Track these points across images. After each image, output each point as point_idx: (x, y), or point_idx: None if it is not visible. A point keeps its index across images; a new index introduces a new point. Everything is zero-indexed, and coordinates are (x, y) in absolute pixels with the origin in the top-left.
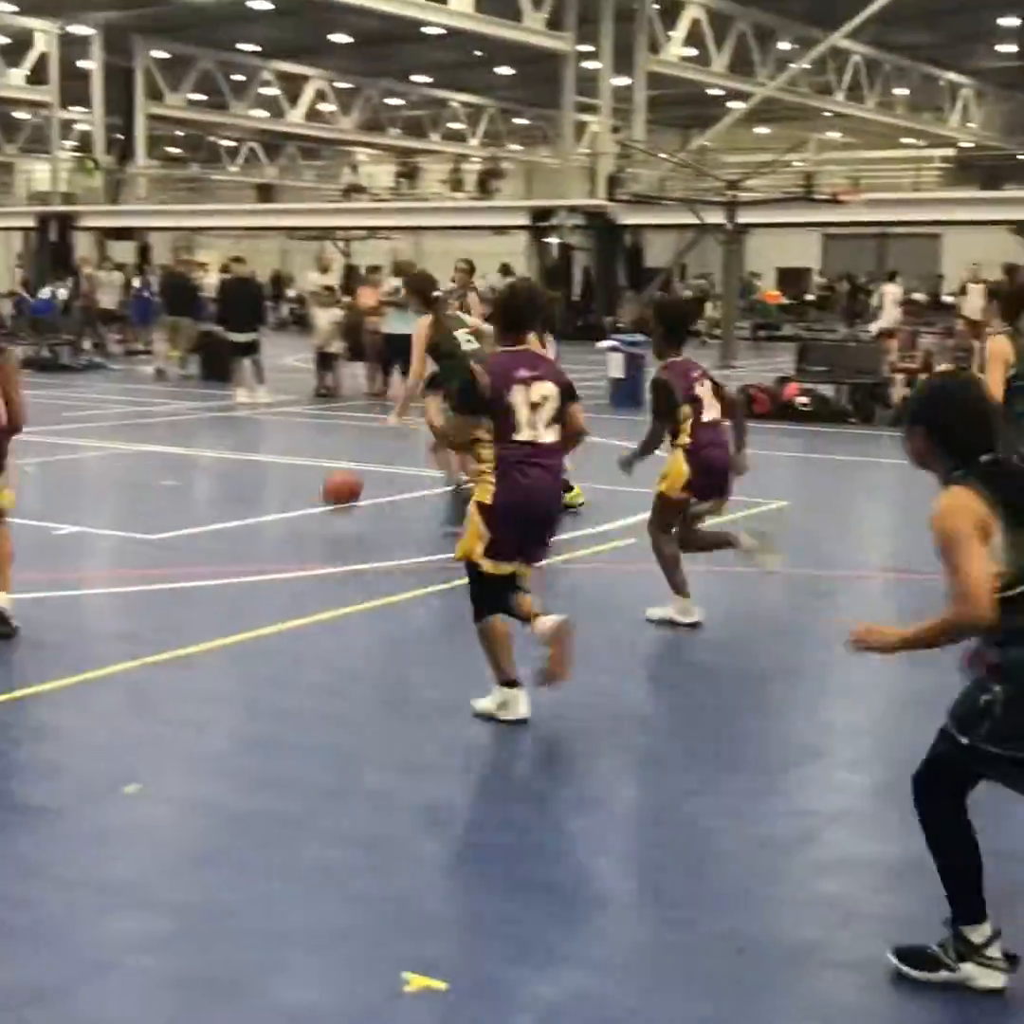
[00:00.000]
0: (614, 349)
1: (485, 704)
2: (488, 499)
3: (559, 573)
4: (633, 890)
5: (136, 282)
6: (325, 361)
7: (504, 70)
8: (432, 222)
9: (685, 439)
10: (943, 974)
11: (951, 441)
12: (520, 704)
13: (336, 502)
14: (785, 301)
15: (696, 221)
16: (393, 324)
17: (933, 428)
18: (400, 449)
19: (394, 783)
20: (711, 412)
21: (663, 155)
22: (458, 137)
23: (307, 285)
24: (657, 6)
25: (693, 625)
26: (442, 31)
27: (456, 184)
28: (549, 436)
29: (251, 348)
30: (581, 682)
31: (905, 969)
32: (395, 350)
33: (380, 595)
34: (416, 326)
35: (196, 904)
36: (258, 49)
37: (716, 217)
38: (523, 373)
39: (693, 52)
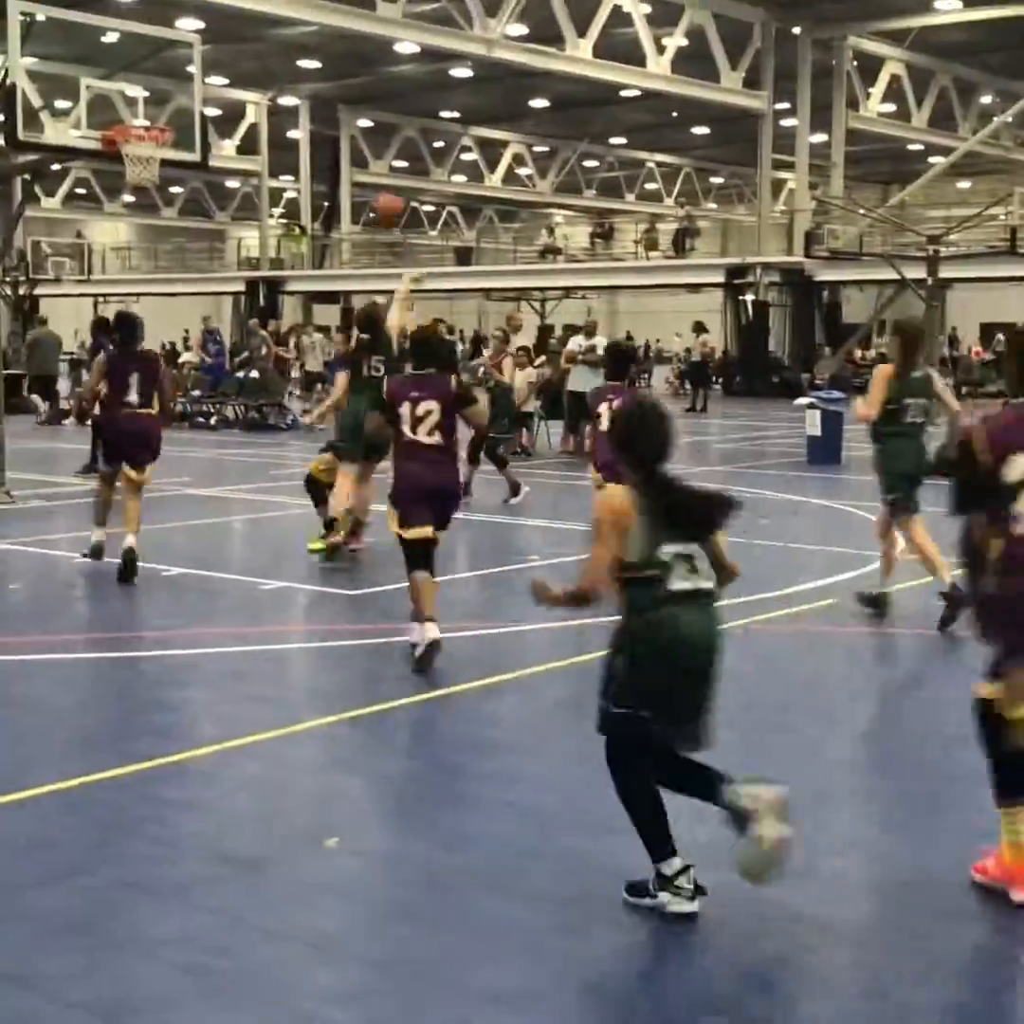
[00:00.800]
0: (812, 406)
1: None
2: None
3: (757, 635)
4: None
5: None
6: (520, 420)
7: (700, 129)
8: (627, 281)
9: None
10: (647, 900)
11: (630, 453)
12: (427, 632)
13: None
14: (989, 357)
15: (896, 277)
16: (577, 382)
17: (619, 442)
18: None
19: (589, 844)
20: None
21: (862, 210)
22: (654, 197)
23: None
24: (856, 63)
25: None
26: (639, 93)
27: (651, 243)
28: (430, 439)
29: None
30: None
31: (625, 897)
32: (582, 408)
33: (570, 654)
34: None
35: (393, 959)
36: (458, 116)
37: (917, 272)
38: (414, 393)
39: (892, 108)
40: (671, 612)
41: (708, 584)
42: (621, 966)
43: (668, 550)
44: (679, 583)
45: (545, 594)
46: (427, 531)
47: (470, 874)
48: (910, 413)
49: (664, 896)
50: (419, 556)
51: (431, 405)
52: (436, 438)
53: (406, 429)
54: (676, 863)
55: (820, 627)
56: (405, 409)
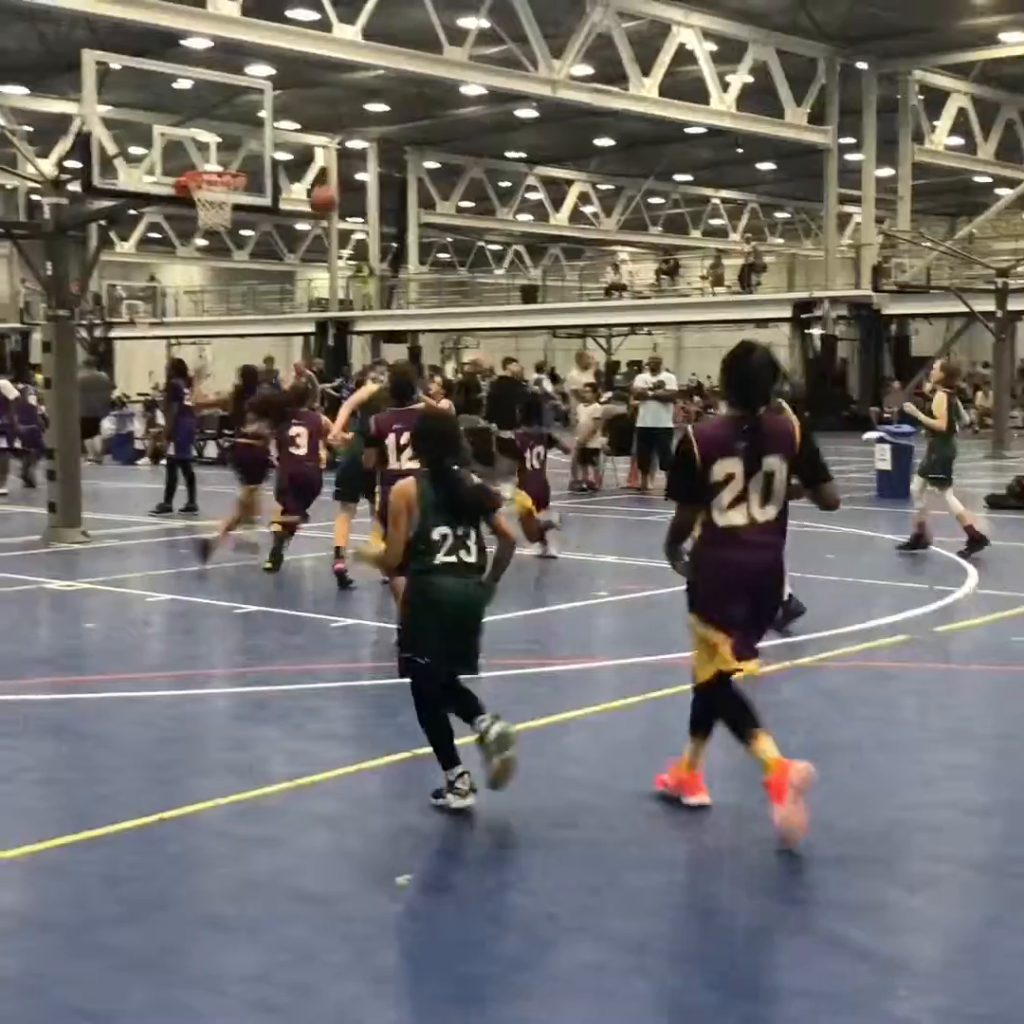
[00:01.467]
0: (881, 440)
1: None
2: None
3: (828, 672)
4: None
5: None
6: (586, 456)
7: (766, 165)
8: (693, 317)
9: None
10: (440, 801)
11: (423, 453)
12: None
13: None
14: None
15: (965, 309)
16: (647, 418)
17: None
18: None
19: (657, 881)
20: None
21: (929, 243)
22: (719, 232)
23: (570, 383)
24: (921, 97)
25: None
26: (703, 130)
27: (717, 279)
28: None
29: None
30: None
31: (430, 801)
32: (650, 443)
33: (641, 690)
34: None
35: (464, 997)
36: (524, 156)
37: (986, 305)
38: (397, 426)
39: (959, 141)
40: (437, 578)
41: (471, 558)
42: (694, 1007)
43: (440, 531)
44: (444, 557)
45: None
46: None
47: (541, 912)
48: None
49: (450, 796)
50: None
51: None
52: (415, 464)
53: (392, 457)
54: (457, 769)
55: (892, 663)
56: (390, 439)
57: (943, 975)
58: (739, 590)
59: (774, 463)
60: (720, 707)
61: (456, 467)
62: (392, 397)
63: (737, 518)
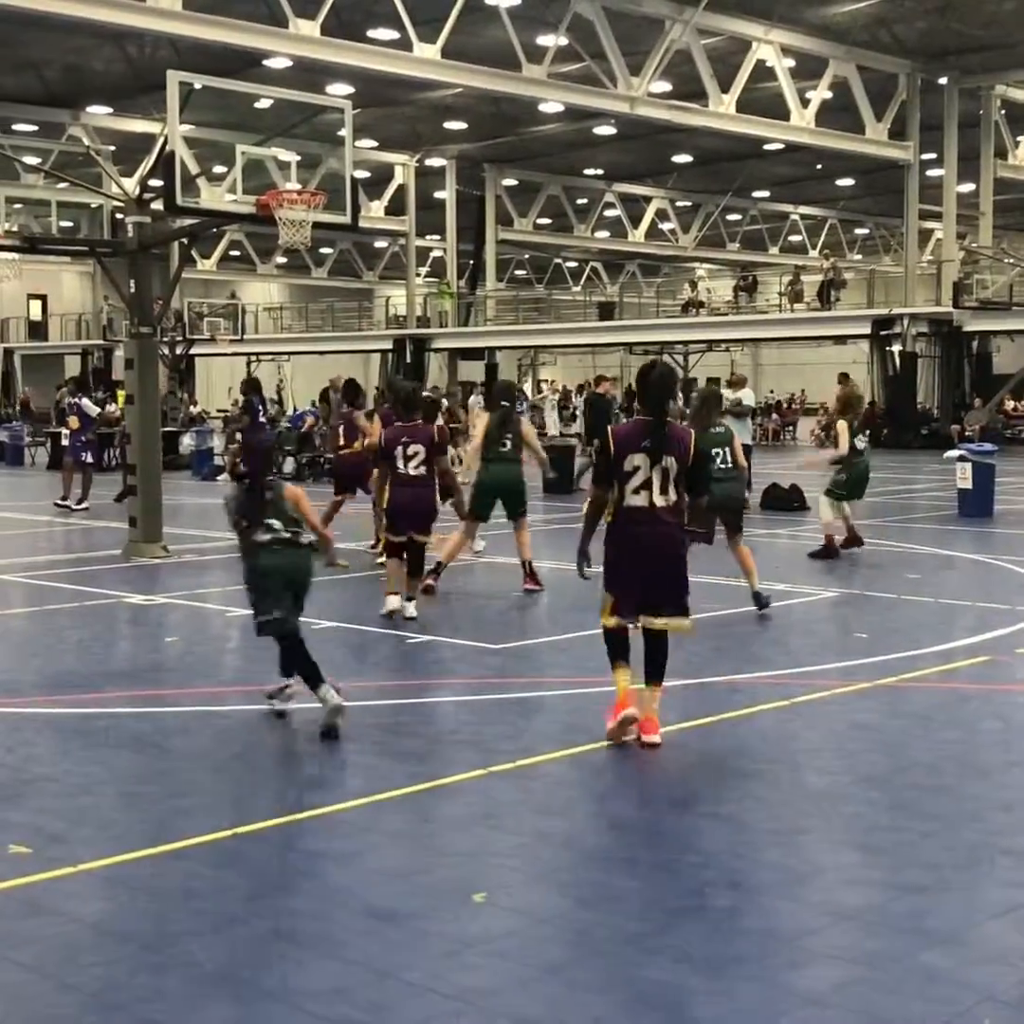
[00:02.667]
0: (962, 458)
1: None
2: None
3: (909, 693)
4: None
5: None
6: None
7: (845, 181)
8: (771, 333)
9: None
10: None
11: (247, 466)
12: (389, 603)
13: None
14: None
15: None
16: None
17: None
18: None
19: (737, 903)
20: None
21: (1011, 259)
22: (798, 249)
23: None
24: (1003, 112)
25: None
26: (782, 146)
27: (796, 295)
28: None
29: None
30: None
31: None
32: None
33: (716, 711)
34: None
35: (541, 1018)
36: (602, 173)
37: None
38: (405, 438)
39: None
40: (258, 553)
41: (285, 535)
42: None
43: (260, 520)
44: (261, 535)
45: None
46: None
47: (618, 933)
48: None
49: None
50: (400, 549)
51: (417, 448)
52: (421, 471)
53: (400, 465)
54: (325, 687)
55: (974, 685)
56: (398, 451)
57: None
58: (637, 558)
59: (671, 461)
60: (607, 644)
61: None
62: (401, 412)
63: (640, 501)
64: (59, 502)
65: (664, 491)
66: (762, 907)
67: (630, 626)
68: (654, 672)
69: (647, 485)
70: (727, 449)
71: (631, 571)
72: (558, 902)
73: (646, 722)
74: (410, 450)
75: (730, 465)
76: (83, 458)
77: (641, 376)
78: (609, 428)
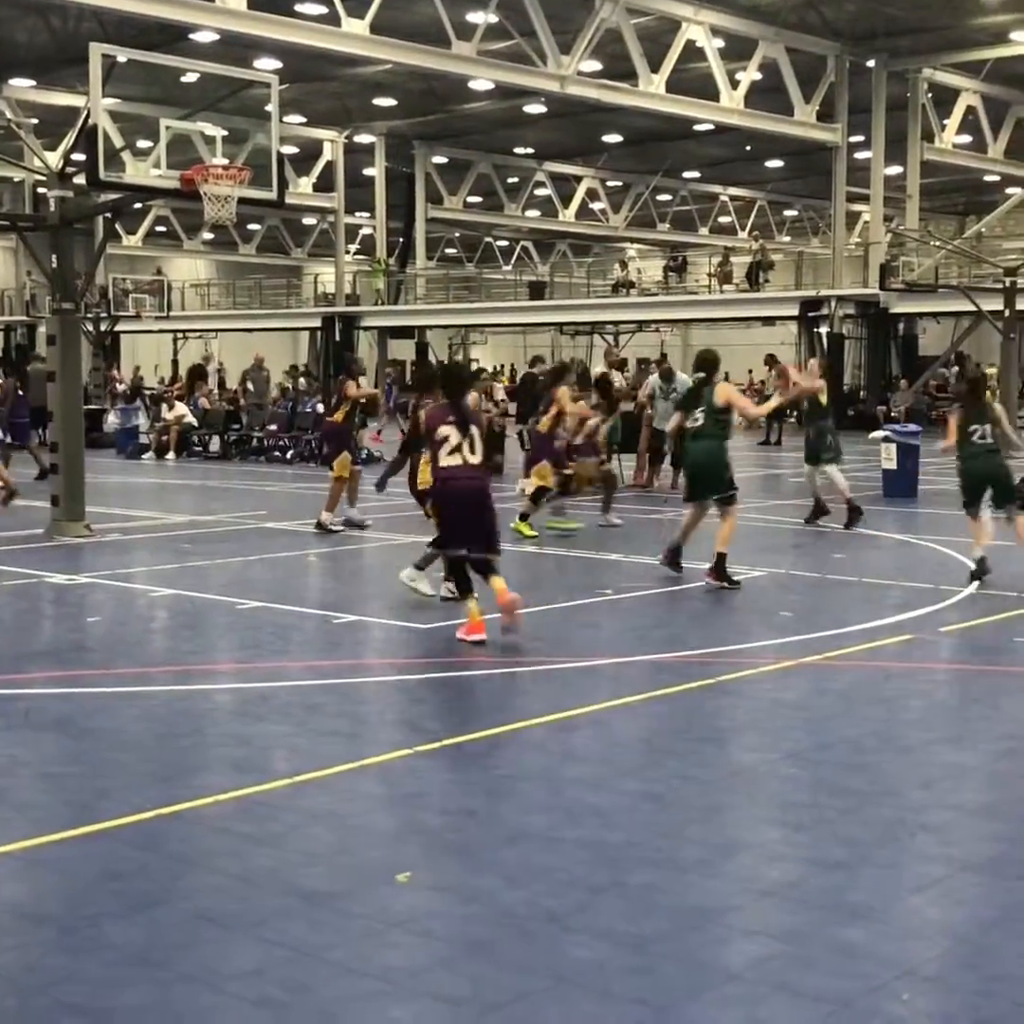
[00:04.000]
0: (887, 439)
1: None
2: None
3: (833, 671)
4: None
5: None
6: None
7: (774, 163)
8: (701, 314)
9: None
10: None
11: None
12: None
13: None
14: None
15: (973, 308)
16: (661, 419)
17: None
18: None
19: (658, 881)
20: None
21: (937, 242)
22: (728, 230)
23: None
24: (931, 95)
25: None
26: (712, 127)
27: (725, 276)
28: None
29: None
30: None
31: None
32: (662, 442)
33: (644, 689)
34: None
35: (463, 996)
36: (532, 151)
37: (994, 304)
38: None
39: (968, 139)
40: None
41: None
42: (691, 1008)
43: None
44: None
45: None
46: None
47: (541, 911)
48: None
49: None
50: None
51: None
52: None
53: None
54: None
55: (897, 663)
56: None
57: (945, 978)
58: (455, 505)
59: (474, 430)
60: (455, 579)
61: None
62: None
63: (454, 461)
64: None
65: (472, 454)
66: (684, 884)
67: (467, 556)
68: (488, 571)
69: (458, 449)
70: (988, 426)
71: (455, 515)
72: (482, 881)
73: (504, 600)
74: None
75: (991, 440)
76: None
77: (443, 370)
78: (422, 411)
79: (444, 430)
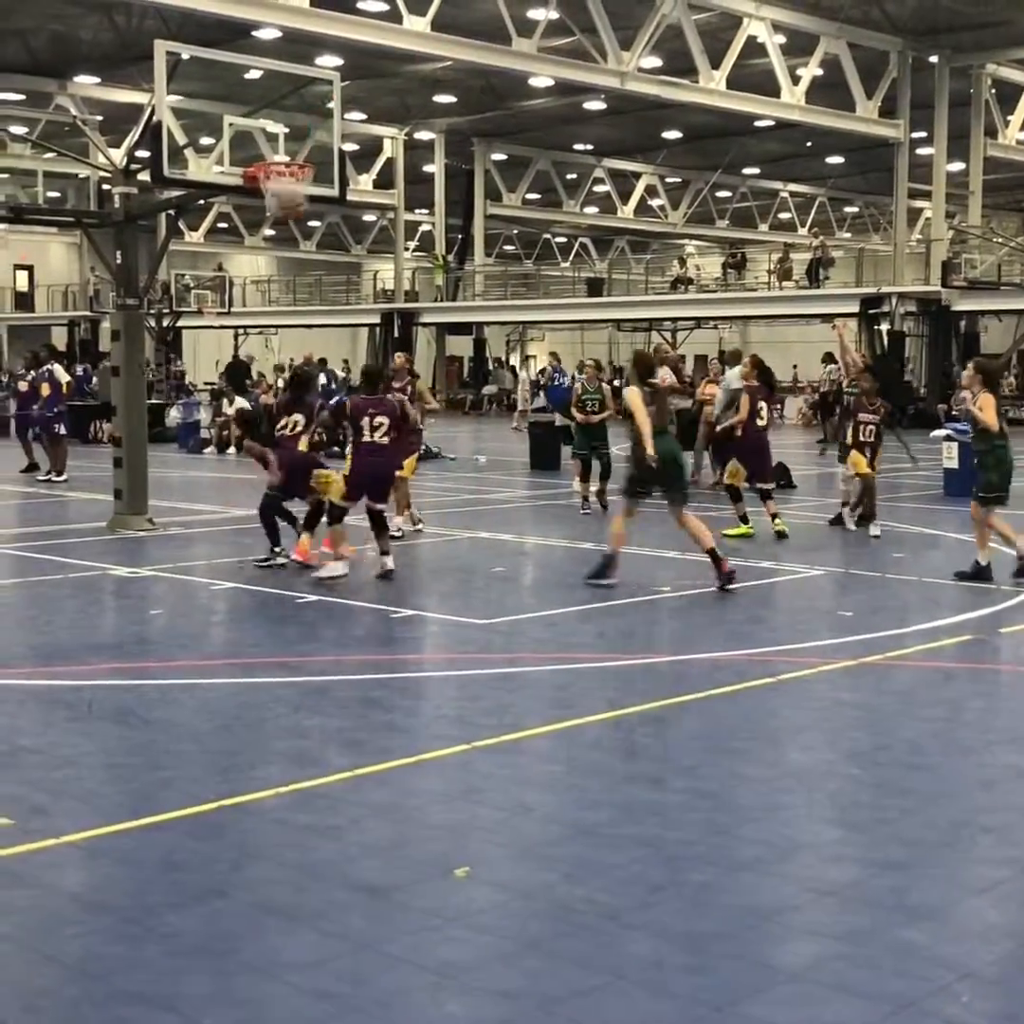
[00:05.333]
0: (949, 438)
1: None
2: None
3: (892, 671)
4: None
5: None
6: None
7: (835, 159)
8: (759, 311)
9: None
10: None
11: None
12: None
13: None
14: None
15: None
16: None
17: None
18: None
19: (718, 880)
20: None
21: (1000, 239)
22: (787, 227)
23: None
24: (994, 91)
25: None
26: (773, 123)
27: (785, 273)
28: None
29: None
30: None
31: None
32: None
33: (705, 687)
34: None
35: (521, 991)
36: (591, 148)
37: None
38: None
39: None
40: None
41: None
42: (750, 1007)
43: None
44: None
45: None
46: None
47: (600, 908)
48: None
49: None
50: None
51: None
52: (386, 439)
53: (366, 433)
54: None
55: (958, 664)
56: (365, 421)
57: (1005, 980)
58: (366, 471)
59: (384, 417)
60: (335, 518)
61: None
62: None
63: (373, 437)
64: (41, 477)
65: (385, 435)
66: (742, 883)
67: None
68: (375, 528)
69: (375, 429)
70: None
71: (364, 478)
72: (540, 877)
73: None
74: (377, 420)
75: None
76: (56, 430)
77: (367, 369)
78: (348, 399)
79: (366, 417)
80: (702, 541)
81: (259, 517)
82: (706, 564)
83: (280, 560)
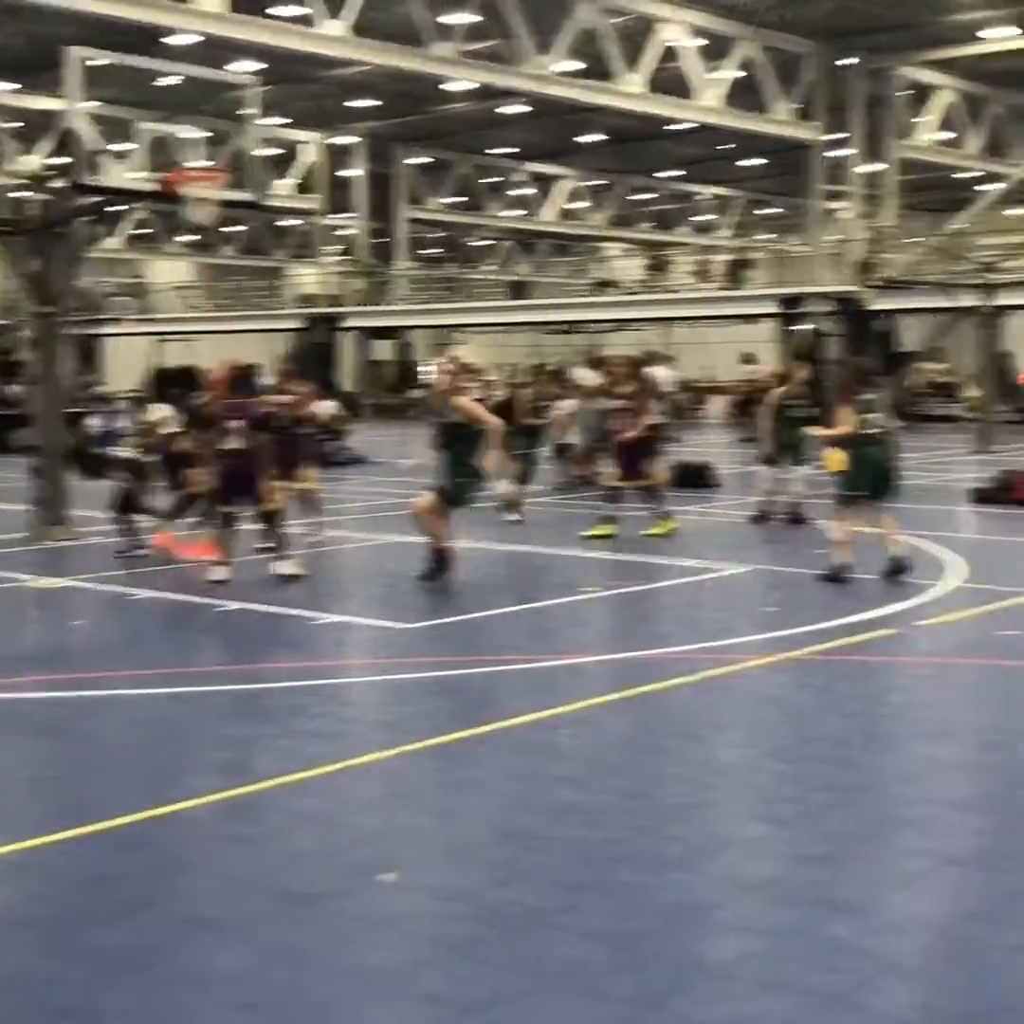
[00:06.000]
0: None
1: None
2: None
3: (816, 667)
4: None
5: None
6: (562, 451)
7: (753, 161)
8: (681, 313)
9: None
10: None
11: None
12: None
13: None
14: None
15: (951, 305)
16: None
17: None
18: (645, 541)
19: (644, 879)
20: None
21: (915, 239)
22: (707, 228)
23: (580, 381)
24: (908, 92)
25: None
26: (691, 126)
27: (705, 275)
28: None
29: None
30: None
31: None
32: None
33: (626, 685)
34: None
35: (449, 996)
36: (512, 151)
37: (972, 300)
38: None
39: (946, 136)
40: None
41: None
42: (678, 1004)
43: None
44: None
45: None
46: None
47: (526, 910)
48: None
49: None
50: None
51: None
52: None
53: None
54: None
55: (879, 658)
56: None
57: (928, 971)
58: (229, 476)
59: (242, 422)
60: (227, 523)
61: None
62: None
63: (233, 444)
64: None
65: (241, 439)
66: (669, 881)
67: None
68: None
69: (237, 435)
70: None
71: (228, 482)
72: (467, 880)
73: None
74: (234, 425)
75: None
76: None
77: (232, 376)
78: (217, 404)
79: (226, 422)
80: (438, 537)
81: (113, 510)
82: (626, 563)
83: (143, 550)
